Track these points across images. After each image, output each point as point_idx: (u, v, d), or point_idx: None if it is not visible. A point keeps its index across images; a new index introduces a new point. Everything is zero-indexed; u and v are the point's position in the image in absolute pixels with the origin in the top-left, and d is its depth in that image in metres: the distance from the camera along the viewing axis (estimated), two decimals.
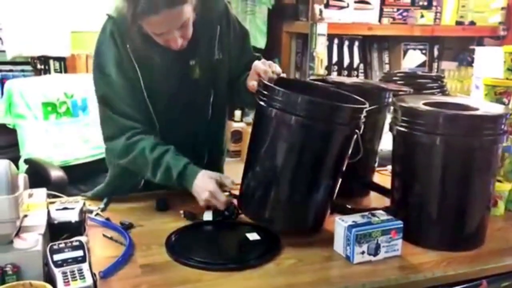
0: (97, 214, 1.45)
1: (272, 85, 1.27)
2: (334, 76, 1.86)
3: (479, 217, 1.31)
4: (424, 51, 4.49)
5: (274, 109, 1.25)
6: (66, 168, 2.30)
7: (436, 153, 1.26)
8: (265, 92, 1.28)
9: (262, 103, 1.28)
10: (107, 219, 1.41)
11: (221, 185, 1.41)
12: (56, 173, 2.14)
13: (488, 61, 2.24)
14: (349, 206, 1.46)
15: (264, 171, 1.31)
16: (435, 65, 4.57)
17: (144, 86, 1.47)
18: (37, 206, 1.19)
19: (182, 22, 1.35)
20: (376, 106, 1.53)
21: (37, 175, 2.13)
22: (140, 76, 1.46)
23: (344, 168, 1.33)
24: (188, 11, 1.35)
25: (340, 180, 1.35)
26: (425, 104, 1.30)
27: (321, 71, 3.83)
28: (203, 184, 1.39)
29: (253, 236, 1.32)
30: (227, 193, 1.44)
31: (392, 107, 1.37)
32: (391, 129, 1.35)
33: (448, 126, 1.23)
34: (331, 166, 1.29)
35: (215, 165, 1.68)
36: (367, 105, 1.28)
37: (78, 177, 2.34)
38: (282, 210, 1.32)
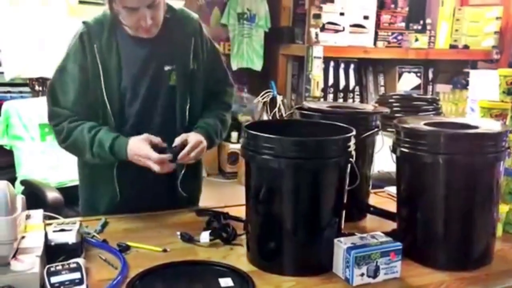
0: (93, 236, 1.44)
1: (257, 133, 1.24)
2: (311, 103, 1.83)
3: (485, 236, 1.32)
4: (418, 74, 4.55)
5: (261, 155, 1.23)
6: (62, 190, 2.29)
7: (440, 172, 1.27)
8: (251, 142, 1.26)
9: (250, 152, 1.26)
10: (104, 240, 1.40)
11: (154, 145, 1.48)
12: (52, 195, 2.13)
13: (483, 84, 2.27)
14: (357, 234, 1.42)
15: (265, 219, 1.28)
16: (429, 88, 4.63)
17: (106, 85, 1.53)
18: (34, 228, 1.19)
19: (152, 1, 1.45)
20: (372, 132, 1.54)
21: (34, 196, 2.11)
22: (102, 75, 1.52)
23: (345, 200, 1.31)
24: None
25: (344, 212, 1.32)
26: (426, 124, 1.32)
27: (317, 93, 3.87)
28: (138, 149, 1.47)
29: (226, 282, 1.19)
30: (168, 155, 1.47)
31: (394, 129, 1.37)
32: (394, 151, 1.35)
33: (450, 145, 1.24)
34: (334, 201, 1.27)
35: (194, 172, 1.72)
36: (354, 132, 1.28)
37: (74, 198, 2.33)
38: (292, 255, 1.27)
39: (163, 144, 1.50)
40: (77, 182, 2.38)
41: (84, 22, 1.56)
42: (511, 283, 1.27)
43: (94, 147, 1.52)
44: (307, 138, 1.26)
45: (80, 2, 2.87)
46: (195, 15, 1.69)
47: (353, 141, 1.27)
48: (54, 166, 2.42)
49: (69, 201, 2.23)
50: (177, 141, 1.52)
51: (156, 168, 1.46)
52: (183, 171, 1.65)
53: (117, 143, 1.51)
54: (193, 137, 1.53)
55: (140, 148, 1.48)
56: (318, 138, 1.26)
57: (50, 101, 1.59)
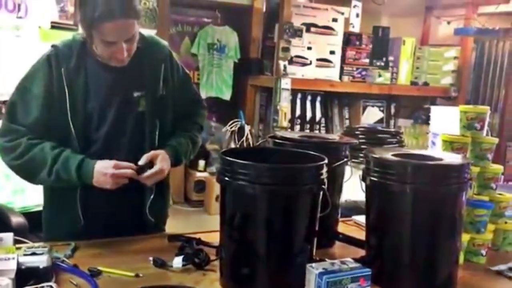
0: (63, 260, 1.42)
1: (234, 159, 1.28)
2: (283, 132, 1.89)
3: (449, 264, 1.38)
4: (382, 108, 4.72)
5: (237, 181, 1.25)
6: (26, 215, 2.24)
7: (407, 201, 1.33)
8: (227, 168, 1.29)
9: (226, 178, 1.28)
10: (75, 265, 1.38)
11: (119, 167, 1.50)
12: (17, 219, 2.09)
13: (443, 119, 2.39)
14: (327, 260, 1.45)
15: (239, 244, 1.30)
16: (392, 121, 4.79)
17: (71, 110, 1.52)
18: (5, 250, 1.17)
19: (131, 35, 1.49)
20: (342, 162, 1.60)
21: None
22: (68, 100, 1.52)
23: (317, 226, 1.35)
24: (136, 28, 1.50)
25: (315, 239, 1.36)
26: (394, 155, 1.39)
27: (285, 123, 3.95)
28: (104, 168, 1.48)
29: None
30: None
31: (364, 159, 1.42)
32: (364, 179, 1.41)
33: (417, 175, 1.31)
34: (307, 227, 1.31)
35: (162, 197, 1.73)
36: (326, 160, 1.33)
37: (39, 224, 2.28)
38: (266, 280, 1.29)
39: (132, 164, 1.52)
40: (41, 207, 2.34)
41: (53, 45, 1.56)
42: None
43: (57, 164, 1.49)
44: (282, 165, 1.30)
45: (53, 27, 2.87)
46: (165, 42, 1.72)
47: (325, 169, 1.32)
48: (18, 190, 2.37)
49: (33, 226, 2.19)
50: (144, 159, 1.54)
51: (127, 172, 1.49)
52: (152, 196, 1.66)
53: (85, 164, 1.50)
54: (159, 164, 1.55)
55: (107, 165, 1.48)
56: (293, 165, 1.30)
57: (7, 118, 1.56)
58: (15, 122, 1.54)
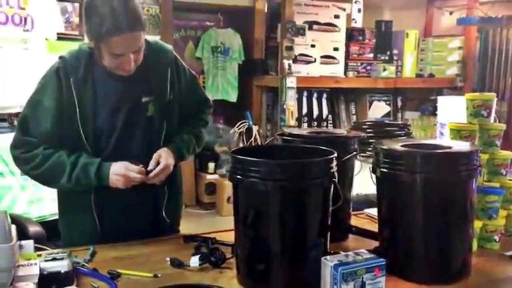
0: (83, 265, 1.45)
1: (244, 157, 1.30)
2: (292, 129, 1.93)
3: (463, 251, 1.39)
4: (388, 102, 4.72)
5: (249, 179, 1.27)
6: (43, 224, 2.28)
7: (417, 191, 1.35)
8: (238, 166, 1.31)
9: (238, 176, 1.29)
10: (95, 269, 1.41)
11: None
12: (34, 228, 2.13)
13: (450, 109, 2.39)
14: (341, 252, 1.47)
15: (254, 241, 1.32)
16: (399, 115, 4.79)
17: (81, 119, 1.55)
18: (27, 257, 1.20)
19: (138, 47, 1.51)
20: (351, 155, 1.62)
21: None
22: (78, 110, 1.55)
23: (330, 220, 1.37)
24: (143, 38, 1.53)
25: (329, 232, 1.37)
26: (402, 146, 1.40)
27: (292, 122, 3.97)
28: (118, 169, 1.54)
29: None
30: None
31: (373, 151, 1.44)
32: (374, 171, 1.43)
33: (426, 164, 1.33)
34: (319, 221, 1.33)
35: (176, 199, 1.77)
36: (335, 154, 1.35)
37: (55, 232, 2.31)
38: (281, 275, 1.30)
39: (142, 168, 1.57)
40: (57, 216, 2.38)
41: (60, 57, 1.58)
42: None
43: (76, 169, 1.54)
44: (292, 160, 1.32)
45: (59, 39, 2.91)
46: (169, 46, 1.75)
47: (335, 162, 1.33)
48: (34, 200, 2.41)
49: (51, 234, 2.22)
50: (153, 163, 1.59)
51: (137, 176, 1.54)
52: (166, 198, 1.68)
53: (103, 168, 1.55)
54: (163, 160, 1.60)
55: (120, 167, 1.55)
56: (303, 160, 1.32)
57: (20, 131, 1.59)
58: (28, 135, 1.58)
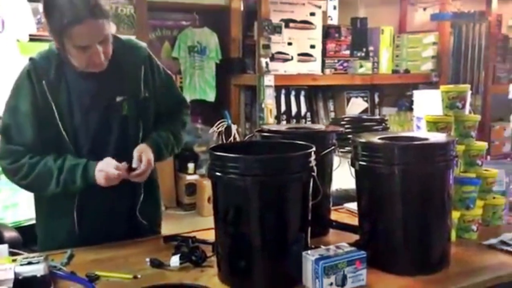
0: (60, 268, 1.42)
1: (223, 154, 1.30)
2: (271, 125, 1.94)
3: (441, 241, 1.41)
4: (365, 98, 4.75)
5: (227, 175, 1.27)
6: (18, 229, 2.23)
7: (396, 183, 1.36)
8: (217, 162, 1.30)
9: (216, 173, 1.29)
10: (72, 272, 1.38)
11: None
12: (9, 234, 2.08)
13: (426, 103, 2.42)
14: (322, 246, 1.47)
15: (234, 238, 1.32)
16: (376, 111, 4.83)
17: (60, 119, 1.54)
18: (2, 261, 1.17)
19: (103, 36, 1.48)
20: (330, 149, 1.62)
21: None
22: (55, 111, 1.53)
23: (310, 215, 1.36)
24: (108, 28, 1.50)
25: (309, 227, 1.37)
26: (380, 138, 1.41)
27: (271, 120, 3.96)
28: (102, 165, 1.53)
29: None
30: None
31: (352, 145, 1.44)
32: (353, 164, 1.43)
33: (404, 156, 1.34)
34: (300, 215, 1.32)
35: (152, 199, 1.75)
36: (314, 148, 1.35)
37: (31, 238, 2.27)
38: (263, 271, 1.31)
39: (125, 165, 1.55)
40: (33, 221, 2.34)
41: (30, 59, 1.56)
42: (469, 283, 1.36)
43: (63, 174, 1.53)
44: (271, 155, 1.31)
45: (31, 40, 2.85)
46: (143, 44, 1.73)
47: (313, 156, 1.33)
48: (9, 205, 2.36)
49: (26, 240, 2.18)
50: (136, 161, 1.57)
51: (114, 172, 1.51)
52: (141, 198, 1.66)
53: (89, 165, 1.54)
54: (144, 156, 1.58)
55: (103, 163, 1.53)
56: (281, 155, 1.32)
57: (4, 140, 1.57)
58: (12, 143, 1.55)
